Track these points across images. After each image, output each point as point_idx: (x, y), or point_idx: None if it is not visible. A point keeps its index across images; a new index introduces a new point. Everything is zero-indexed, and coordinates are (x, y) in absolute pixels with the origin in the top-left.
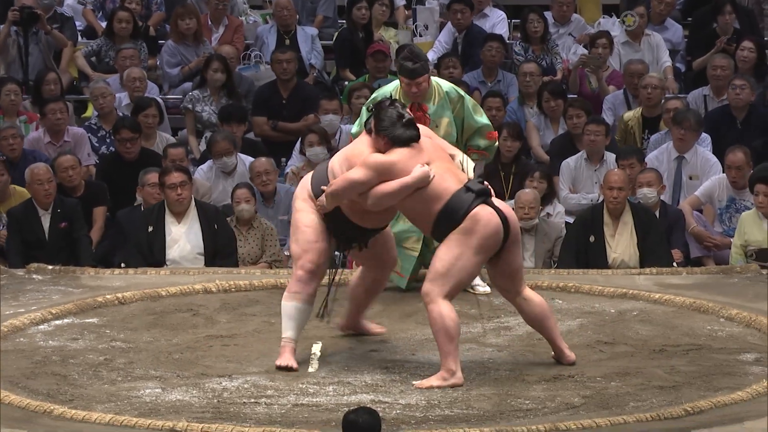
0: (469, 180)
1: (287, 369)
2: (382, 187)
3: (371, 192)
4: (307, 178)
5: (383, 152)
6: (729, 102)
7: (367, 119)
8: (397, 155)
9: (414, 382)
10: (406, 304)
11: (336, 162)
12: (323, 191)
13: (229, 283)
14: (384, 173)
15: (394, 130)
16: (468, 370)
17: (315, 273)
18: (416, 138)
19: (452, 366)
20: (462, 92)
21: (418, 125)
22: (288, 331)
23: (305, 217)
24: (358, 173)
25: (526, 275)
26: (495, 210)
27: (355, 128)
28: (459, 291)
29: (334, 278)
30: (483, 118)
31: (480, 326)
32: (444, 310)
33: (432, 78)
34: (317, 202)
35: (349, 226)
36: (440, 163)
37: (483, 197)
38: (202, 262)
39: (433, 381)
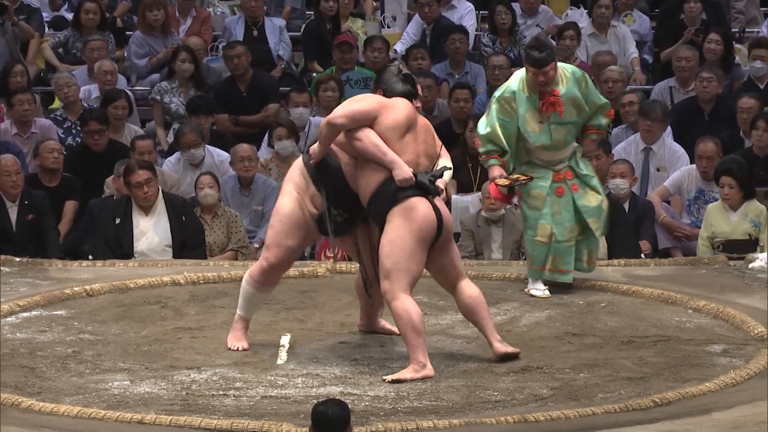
0: (430, 171)
1: (238, 350)
2: (374, 138)
3: (365, 130)
4: (300, 159)
5: None
6: (696, 94)
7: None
8: (396, 106)
9: (385, 377)
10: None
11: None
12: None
13: (198, 275)
14: (380, 108)
15: (390, 82)
16: (437, 362)
17: (278, 269)
18: (410, 91)
19: (422, 359)
20: (583, 71)
21: (424, 120)
22: (241, 310)
23: (288, 204)
24: (360, 104)
25: (494, 267)
26: (433, 207)
27: (482, 128)
28: (415, 281)
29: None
30: (603, 97)
31: (449, 318)
32: (408, 305)
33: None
34: (311, 151)
35: (344, 189)
36: (417, 146)
37: (422, 191)
38: (170, 254)
39: (405, 374)
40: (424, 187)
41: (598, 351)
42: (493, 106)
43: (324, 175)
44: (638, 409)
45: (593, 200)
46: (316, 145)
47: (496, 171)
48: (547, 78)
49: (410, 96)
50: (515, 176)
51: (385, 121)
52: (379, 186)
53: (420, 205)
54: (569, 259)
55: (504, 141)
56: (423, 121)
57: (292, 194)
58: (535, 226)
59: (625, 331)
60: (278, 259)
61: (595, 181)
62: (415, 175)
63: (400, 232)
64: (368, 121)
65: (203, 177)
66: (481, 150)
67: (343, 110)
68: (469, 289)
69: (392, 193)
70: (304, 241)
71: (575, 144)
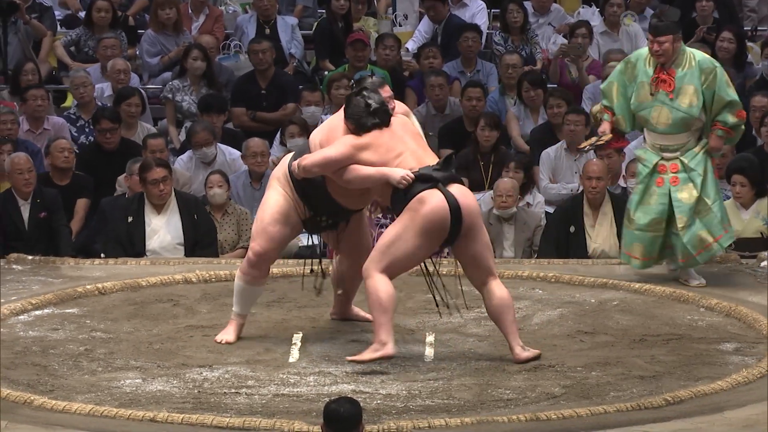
0: (434, 164)
1: (223, 343)
2: (359, 169)
3: (348, 169)
4: (287, 158)
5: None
6: None
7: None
8: (371, 137)
9: (347, 357)
10: None
11: (317, 135)
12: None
13: (210, 273)
14: (359, 152)
15: (360, 118)
16: (449, 360)
17: (264, 257)
18: (383, 122)
19: (383, 337)
20: (717, 64)
21: (398, 115)
22: (236, 307)
23: (273, 197)
24: (332, 151)
25: (506, 265)
26: (447, 196)
27: (604, 83)
28: (399, 269)
29: (320, 268)
30: (734, 94)
31: (460, 316)
32: (379, 283)
33: (688, 48)
34: (293, 165)
35: (328, 201)
36: (408, 145)
37: (430, 182)
38: (182, 253)
39: (365, 354)
40: (428, 178)
41: (610, 349)
42: (619, 66)
43: (308, 187)
44: (650, 408)
45: (687, 196)
46: (296, 164)
47: (602, 126)
48: (662, 49)
49: (383, 126)
50: (596, 138)
51: (363, 158)
52: (393, 193)
53: (430, 196)
54: (650, 249)
55: (614, 98)
56: (396, 122)
57: (277, 189)
58: (627, 210)
59: (638, 329)
60: (263, 248)
61: (699, 179)
62: (416, 171)
63: (403, 223)
64: (344, 166)
65: (212, 176)
66: (603, 103)
67: (319, 158)
68: (498, 291)
69: (403, 193)
70: (290, 230)
71: (697, 137)
